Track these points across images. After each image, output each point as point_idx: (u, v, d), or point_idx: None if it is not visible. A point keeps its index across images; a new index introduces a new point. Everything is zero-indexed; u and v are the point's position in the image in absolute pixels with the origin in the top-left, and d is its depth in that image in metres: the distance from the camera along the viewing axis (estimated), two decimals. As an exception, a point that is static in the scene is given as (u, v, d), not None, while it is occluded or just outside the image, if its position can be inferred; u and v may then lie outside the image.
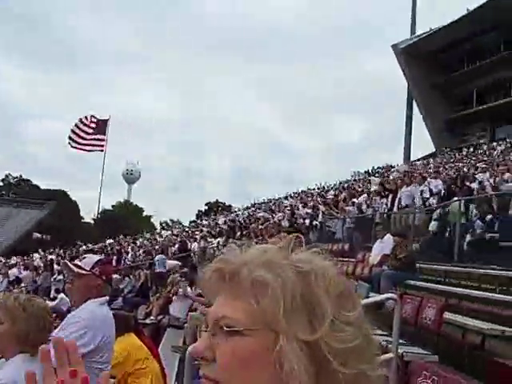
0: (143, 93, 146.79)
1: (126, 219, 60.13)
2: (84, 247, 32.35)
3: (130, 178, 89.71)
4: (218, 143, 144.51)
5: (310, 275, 0.84)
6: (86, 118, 46.63)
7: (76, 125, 46.14)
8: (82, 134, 45.93)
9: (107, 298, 3.40)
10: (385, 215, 15.19)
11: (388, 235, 11.43)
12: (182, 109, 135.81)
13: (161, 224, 71.90)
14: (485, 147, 37.22)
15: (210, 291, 0.90)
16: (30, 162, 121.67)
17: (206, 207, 75.60)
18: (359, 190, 24.76)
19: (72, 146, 46.58)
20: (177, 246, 22.82)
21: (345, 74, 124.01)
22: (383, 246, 11.27)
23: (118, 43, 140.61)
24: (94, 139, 46.59)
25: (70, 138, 46.03)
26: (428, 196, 14.52)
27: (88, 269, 3.30)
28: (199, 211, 73.71)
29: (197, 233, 28.19)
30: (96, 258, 3.62)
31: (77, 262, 3.75)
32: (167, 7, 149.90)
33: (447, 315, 6.47)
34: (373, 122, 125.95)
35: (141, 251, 24.34)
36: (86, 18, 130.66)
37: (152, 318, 11.88)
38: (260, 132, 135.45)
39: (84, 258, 3.70)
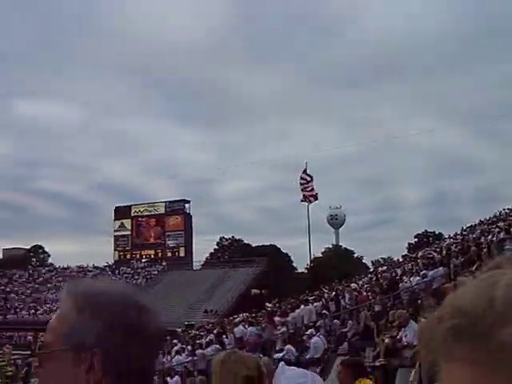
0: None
1: (335, 264, 59.95)
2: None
3: (336, 222, 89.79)
4: (407, 172, 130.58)
5: None
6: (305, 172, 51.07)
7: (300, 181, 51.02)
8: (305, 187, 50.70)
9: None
10: None
11: None
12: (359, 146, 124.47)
13: (373, 263, 71.04)
14: None
15: (434, 350, 0.53)
16: (234, 223, 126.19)
17: (416, 239, 73.19)
18: None
19: (302, 201, 51.76)
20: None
21: None
22: None
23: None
24: (310, 189, 50.85)
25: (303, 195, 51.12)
26: None
27: None
28: (409, 244, 71.62)
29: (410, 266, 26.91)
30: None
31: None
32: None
33: None
34: None
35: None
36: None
37: (381, 359, 11.36)
38: (443, 148, 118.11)
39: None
